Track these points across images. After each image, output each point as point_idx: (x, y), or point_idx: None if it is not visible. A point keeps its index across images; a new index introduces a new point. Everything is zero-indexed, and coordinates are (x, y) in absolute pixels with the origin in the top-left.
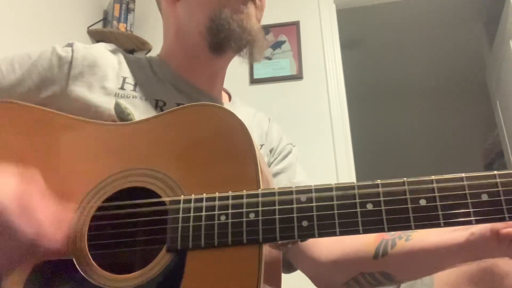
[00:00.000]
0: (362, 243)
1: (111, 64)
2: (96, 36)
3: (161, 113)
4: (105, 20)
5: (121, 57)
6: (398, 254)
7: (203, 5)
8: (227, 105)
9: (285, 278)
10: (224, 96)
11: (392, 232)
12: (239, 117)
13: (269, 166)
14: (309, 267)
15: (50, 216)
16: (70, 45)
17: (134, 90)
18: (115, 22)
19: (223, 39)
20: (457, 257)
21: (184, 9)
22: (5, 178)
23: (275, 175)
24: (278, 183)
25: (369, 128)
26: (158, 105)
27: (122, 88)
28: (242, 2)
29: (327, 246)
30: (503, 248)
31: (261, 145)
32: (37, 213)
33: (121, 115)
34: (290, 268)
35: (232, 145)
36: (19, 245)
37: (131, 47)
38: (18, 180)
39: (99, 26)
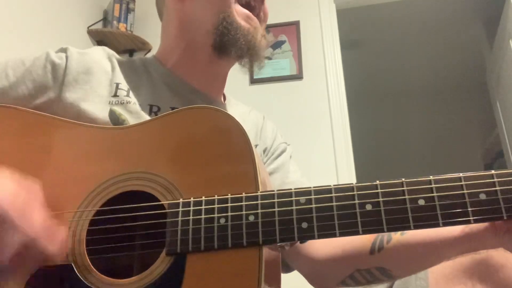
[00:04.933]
0: (357, 239)
1: (104, 70)
2: (96, 36)
3: (157, 116)
4: (105, 20)
5: (114, 62)
6: (394, 248)
7: (214, 4)
8: (224, 103)
9: (285, 279)
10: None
11: None
12: (236, 118)
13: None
14: (305, 265)
15: (48, 221)
16: (64, 50)
17: (128, 95)
18: (115, 22)
19: (226, 42)
20: (453, 249)
21: (194, 6)
22: (4, 184)
23: (269, 174)
24: (273, 183)
25: (369, 128)
26: (152, 110)
27: (115, 95)
28: (250, 18)
29: (322, 244)
30: (498, 238)
31: (256, 145)
32: (35, 217)
33: (116, 122)
34: (287, 268)
35: (230, 147)
36: (19, 247)
37: (131, 47)
38: (17, 186)
39: (99, 26)
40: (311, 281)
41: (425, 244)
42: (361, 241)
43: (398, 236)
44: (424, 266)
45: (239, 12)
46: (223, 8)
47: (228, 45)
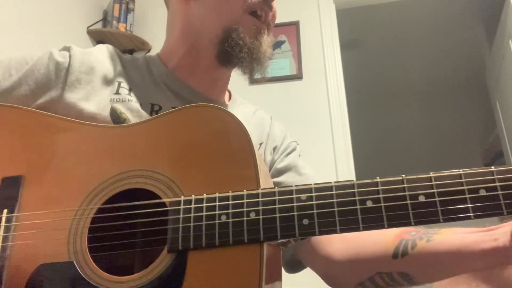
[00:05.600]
0: (380, 242)
1: (106, 69)
2: (96, 36)
3: (159, 114)
4: (105, 20)
5: (117, 60)
6: (418, 255)
7: (221, 13)
8: (226, 104)
9: (287, 276)
10: (225, 95)
11: (413, 232)
12: (237, 116)
13: (273, 163)
14: (322, 266)
15: None
16: (67, 49)
17: (129, 94)
18: (114, 22)
19: (231, 56)
20: (479, 262)
21: (199, 10)
22: None
23: (282, 173)
24: (287, 181)
25: (369, 128)
26: (153, 109)
27: (117, 93)
28: (257, 31)
29: (342, 245)
30: None
31: (260, 144)
32: None
33: (117, 120)
34: (296, 268)
35: (231, 145)
36: None
37: (130, 47)
38: None
39: (99, 26)
40: (328, 282)
41: (452, 254)
42: (384, 244)
43: (423, 243)
44: (448, 275)
45: (248, 25)
46: (229, 21)
47: (234, 59)
